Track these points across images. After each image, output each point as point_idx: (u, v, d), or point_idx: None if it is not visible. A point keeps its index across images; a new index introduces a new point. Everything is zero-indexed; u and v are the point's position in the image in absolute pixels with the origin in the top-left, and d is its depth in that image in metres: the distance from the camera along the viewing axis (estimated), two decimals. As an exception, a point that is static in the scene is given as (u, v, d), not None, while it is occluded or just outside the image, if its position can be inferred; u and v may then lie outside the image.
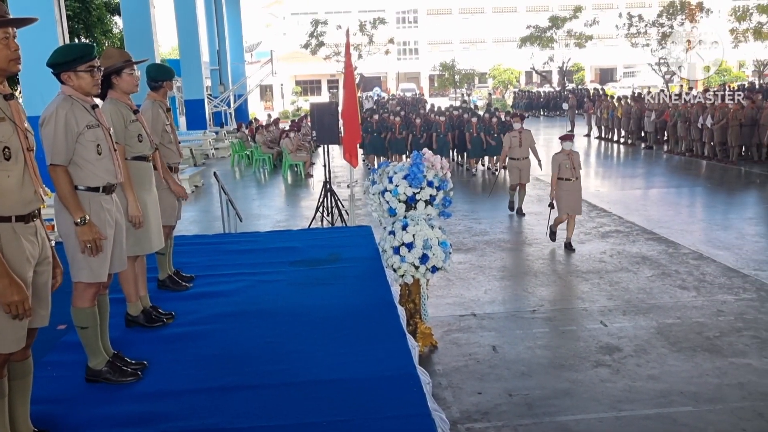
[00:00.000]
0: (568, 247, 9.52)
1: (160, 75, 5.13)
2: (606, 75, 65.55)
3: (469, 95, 43.61)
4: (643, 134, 21.96)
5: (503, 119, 17.69)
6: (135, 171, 4.33)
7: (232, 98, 31.12)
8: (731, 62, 55.66)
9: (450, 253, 6.04)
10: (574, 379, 5.67)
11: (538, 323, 6.89)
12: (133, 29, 18.01)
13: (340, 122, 10.57)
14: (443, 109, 22.61)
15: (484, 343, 6.43)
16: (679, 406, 5.14)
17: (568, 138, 9.34)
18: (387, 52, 41.70)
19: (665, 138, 20.64)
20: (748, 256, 8.95)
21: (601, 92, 35.19)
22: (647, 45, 39.89)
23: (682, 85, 38.43)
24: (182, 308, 4.70)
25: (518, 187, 11.94)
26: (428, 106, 25.85)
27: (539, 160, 11.91)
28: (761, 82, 41.36)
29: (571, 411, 5.12)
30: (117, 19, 24.23)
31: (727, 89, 20.35)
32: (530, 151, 11.80)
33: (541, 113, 39.25)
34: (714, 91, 20.67)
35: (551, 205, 9.58)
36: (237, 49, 33.39)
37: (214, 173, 9.44)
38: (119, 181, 3.80)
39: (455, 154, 18.59)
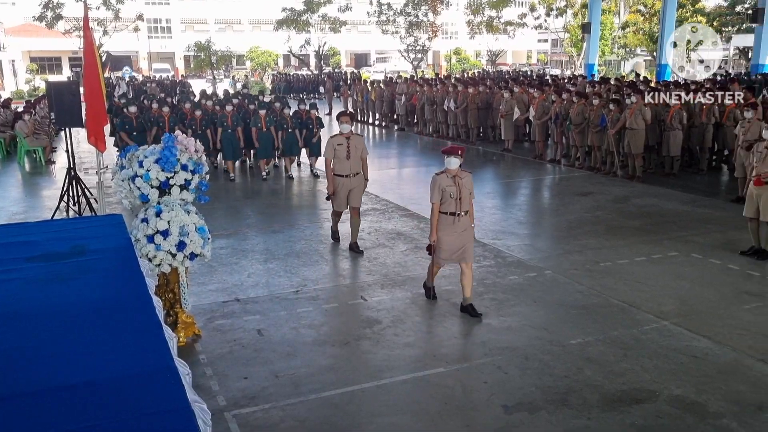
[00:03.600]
0: (470, 311, 6.64)
1: None
2: (360, 60, 68.22)
3: (234, 78, 42.52)
4: (395, 117, 23.25)
5: (300, 108, 14.43)
6: None
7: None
8: (469, 51, 61.16)
9: (209, 238, 5.87)
10: (338, 354, 5.85)
11: (302, 303, 7.00)
12: None
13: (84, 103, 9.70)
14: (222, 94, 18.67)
15: (249, 327, 6.38)
16: (432, 368, 5.56)
17: (453, 152, 6.56)
18: (136, 29, 39.27)
19: (415, 120, 22.06)
20: (487, 227, 9.92)
21: (358, 75, 36.60)
22: (396, 32, 42.25)
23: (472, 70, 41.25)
24: None
25: (350, 213, 8.86)
26: (197, 91, 22.54)
27: (366, 179, 8.76)
28: (494, 69, 46.00)
29: (336, 385, 5.28)
30: None
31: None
32: (363, 164, 8.67)
33: (301, 96, 39.76)
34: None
35: (430, 250, 6.82)
36: (-47, 18, 29.00)
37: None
38: None
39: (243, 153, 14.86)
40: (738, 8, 43.33)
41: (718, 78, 25.47)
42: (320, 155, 13.77)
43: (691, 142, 13.58)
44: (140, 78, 39.41)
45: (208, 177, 5.95)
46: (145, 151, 5.64)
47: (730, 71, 39.79)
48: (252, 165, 15.02)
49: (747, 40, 41.35)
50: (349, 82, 30.82)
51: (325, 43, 44.56)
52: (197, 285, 7.30)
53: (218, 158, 14.85)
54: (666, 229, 9.63)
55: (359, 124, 24.74)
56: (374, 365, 5.67)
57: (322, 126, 14.33)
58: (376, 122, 24.08)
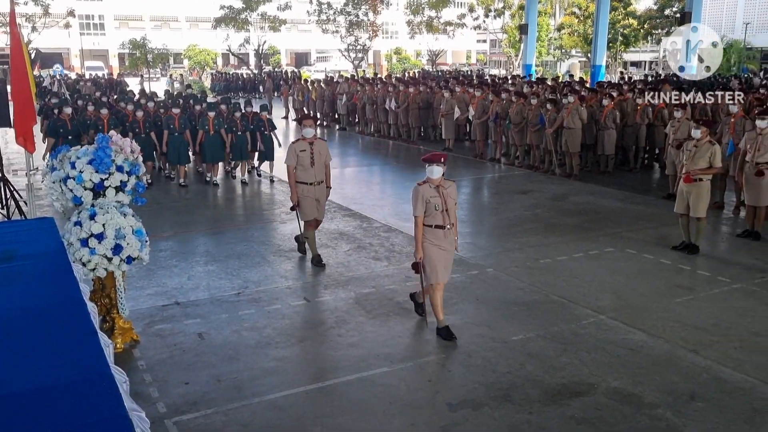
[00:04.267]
0: (446, 335, 6.06)
1: None
2: (301, 59, 67.81)
3: (172, 77, 41.39)
4: (336, 116, 23.18)
5: (247, 110, 13.57)
6: None
7: None
8: (409, 51, 61.53)
9: (147, 241, 5.72)
10: (281, 356, 5.79)
11: (244, 305, 6.89)
12: None
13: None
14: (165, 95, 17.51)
15: (190, 331, 6.24)
16: (376, 368, 5.55)
17: (435, 160, 6.07)
18: (67, 26, 37.98)
19: (356, 120, 22.04)
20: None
21: (298, 74, 36.35)
22: (337, 32, 42.15)
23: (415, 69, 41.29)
24: None
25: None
26: (133, 89, 21.67)
27: (329, 187, 8.20)
28: (435, 69, 46.43)
29: (280, 388, 5.22)
30: None
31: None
32: (326, 171, 8.05)
33: (240, 96, 39.25)
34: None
35: (418, 268, 6.12)
36: None
37: None
38: None
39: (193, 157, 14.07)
40: (667, 11, 44.98)
41: (650, 79, 26.40)
42: (272, 159, 13.36)
43: (624, 140, 13.99)
44: (73, 76, 38.15)
45: (145, 179, 5.80)
46: (77, 151, 5.45)
47: (661, 72, 41.30)
48: (200, 170, 14.07)
49: (676, 42, 42.91)
50: (289, 81, 30.57)
51: (264, 42, 44.07)
52: (135, 289, 7.11)
53: (161, 162, 13.93)
54: (602, 226, 9.89)
55: (298, 123, 24.54)
56: (318, 366, 5.63)
57: (275, 128, 13.75)
58: (318, 122, 23.95)
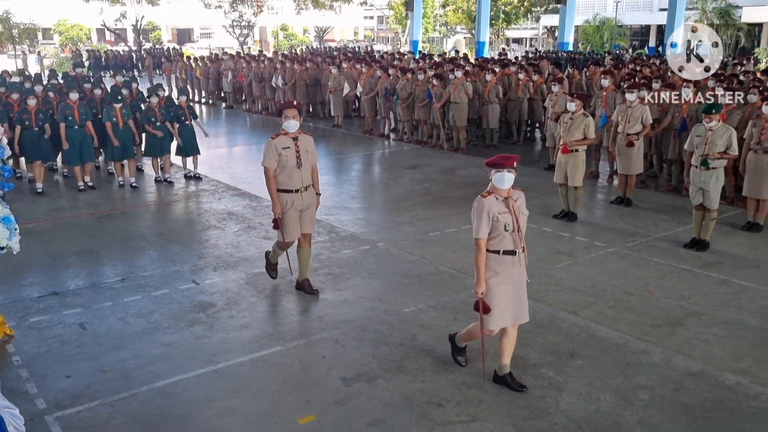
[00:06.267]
0: (508, 383, 4.87)
1: None
2: (183, 35, 65.26)
3: (41, 54, 38.56)
4: (222, 94, 22.55)
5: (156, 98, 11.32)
6: None
7: None
8: (296, 28, 60.68)
9: (16, 229, 5.36)
10: (170, 341, 5.61)
11: (129, 291, 6.62)
12: None
13: None
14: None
15: (70, 322, 5.94)
16: (269, 347, 5.50)
17: (505, 165, 4.66)
18: None
19: (243, 98, 21.54)
20: (321, 203, 9.87)
21: (179, 51, 34.98)
22: (220, 7, 40.90)
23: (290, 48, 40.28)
24: None
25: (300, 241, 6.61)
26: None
27: (318, 193, 6.66)
28: (324, 46, 46.04)
29: (169, 374, 5.07)
30: None
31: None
32: (313, 174, 6.50)
33: (122, 74, 37.27)
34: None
35: (481, 307, 4.68)
36: None
37: None
38: None
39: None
40: (545, -10, 46.70)
41: (530, 56, 27.40)
42: (197, 153, 11.45)
43: (507, 114, 14.46)
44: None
45: (11, 162, 5.40)
46: (-69, 134, 5.00)
47: (540, 49, 42.94)
48: (101, 166, 12.18)
49: (554, 20, 44.77)
50: (171, 59, 29.37)
51: (143, 17, 42.04)
52: (6, 281, 6.66)
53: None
54: (488, 198, 10.19)
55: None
56: (210, 350, 5.50)
57: (196, 117, 11.86)
58: (203, 100, 23.23)
